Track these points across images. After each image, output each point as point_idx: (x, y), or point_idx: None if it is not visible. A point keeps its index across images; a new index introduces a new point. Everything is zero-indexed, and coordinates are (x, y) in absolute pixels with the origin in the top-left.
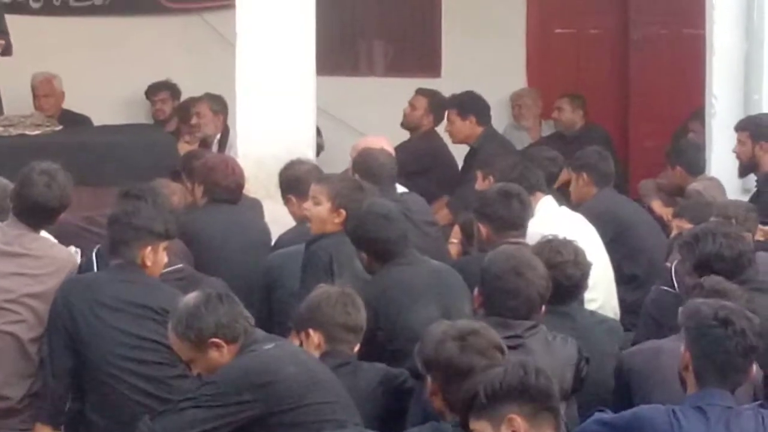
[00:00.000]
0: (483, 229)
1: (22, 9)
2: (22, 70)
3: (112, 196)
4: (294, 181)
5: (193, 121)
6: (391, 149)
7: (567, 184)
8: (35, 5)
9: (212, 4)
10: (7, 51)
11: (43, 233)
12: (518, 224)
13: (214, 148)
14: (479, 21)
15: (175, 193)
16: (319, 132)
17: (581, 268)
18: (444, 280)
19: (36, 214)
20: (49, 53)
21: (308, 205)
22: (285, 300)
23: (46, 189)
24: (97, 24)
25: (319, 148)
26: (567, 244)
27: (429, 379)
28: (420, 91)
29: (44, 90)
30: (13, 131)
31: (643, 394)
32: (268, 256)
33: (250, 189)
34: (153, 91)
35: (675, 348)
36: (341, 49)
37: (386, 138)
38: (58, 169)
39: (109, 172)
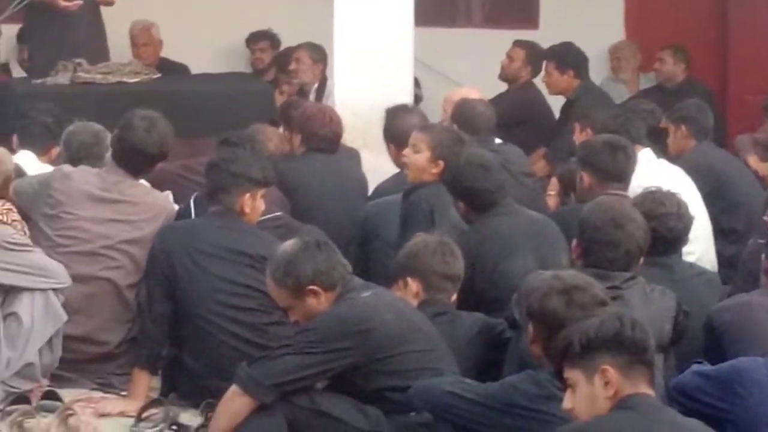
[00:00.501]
0: (586, 179)
1: None
2: (120, 18)
3: (208, 145)
4: (399, 132)
5: (292, 66)
6: None
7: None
8: None
9: None
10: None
11: (141, 180)
12: (622, 177)
13: (312, 97)
14: None
15: (271, 139)
16: (417, 83)
17: (683, 220)
18: (541, 231)
19: (135, 159)
20: (147, 1)
21: (408, 152)
22: (382, 250)
23: (146, 134)
24: None
25: (417, 100)
26: (670, 196)
27: (530, 327)
28: (517, 43)
29: (143, 38)
30: (112, 78)
31: (735, 350)
32: (365, 206)
33: (347, 139)
34: (254, 39)
35: (764, 302)
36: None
37: (478, 89)
38: (159, 116)
39: (207, 121)
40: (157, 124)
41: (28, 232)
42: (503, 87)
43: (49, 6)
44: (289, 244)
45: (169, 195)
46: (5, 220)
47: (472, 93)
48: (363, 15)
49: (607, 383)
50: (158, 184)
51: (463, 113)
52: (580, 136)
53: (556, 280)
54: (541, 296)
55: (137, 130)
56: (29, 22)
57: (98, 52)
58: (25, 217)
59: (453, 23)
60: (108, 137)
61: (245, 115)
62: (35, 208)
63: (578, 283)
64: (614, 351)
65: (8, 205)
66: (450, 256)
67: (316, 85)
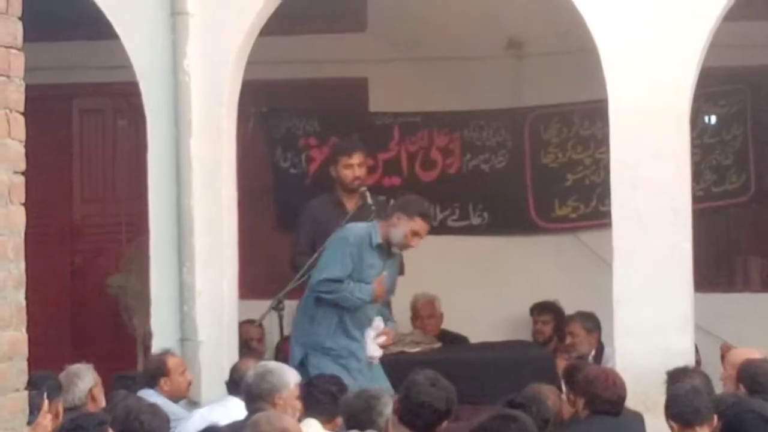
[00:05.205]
0: None
1: None
2: (403, 288)
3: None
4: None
5: (568, 341)
6: None
7: None
8: None
9: (587, 224)
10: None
11: None
12: None
13: None
14: None
15: (548, 397)
16: (696, 349)
17: None
18: None
19: (423, 415)
20: (428, 273)
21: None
22: None
23: (433, 389)
24: (474, 243)
25: (697, 365)
26: None
27: None
28: None
29: (426, 311)
30: (394, 349)
31: None
32: None
33: (629, 403)
34: (537, 310)
35: None
36: (717, 266)
37: (759, 349)
38: (440, 375)
39: (488, 388)
40: (441, 381)
41: None
42: None
43: None
44: None
45: None
46: None
47: (754, 353)
48: (642, 282)
49: None
50: None
51: (749, 373)
52: None
53: None
54: None
55: (423, 386)
56: None
57: None
58: None
59: (731, 288)
60: (379, 404)
61: (526, 381)
62: None
63: None
64: None
65: None
66: None
67: (593, 353)
